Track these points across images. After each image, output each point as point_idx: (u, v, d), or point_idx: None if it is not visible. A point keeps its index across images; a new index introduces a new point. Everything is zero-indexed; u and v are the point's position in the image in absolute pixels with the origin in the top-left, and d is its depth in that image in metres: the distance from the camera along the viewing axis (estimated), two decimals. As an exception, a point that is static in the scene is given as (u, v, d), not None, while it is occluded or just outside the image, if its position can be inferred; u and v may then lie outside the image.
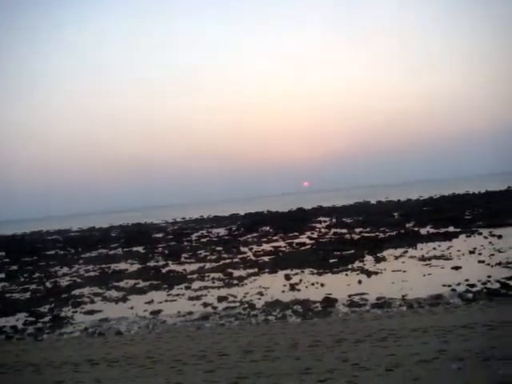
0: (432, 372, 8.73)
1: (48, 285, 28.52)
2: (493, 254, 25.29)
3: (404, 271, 22.95)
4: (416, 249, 29.79)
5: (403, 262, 25.61)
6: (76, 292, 25.28)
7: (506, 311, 14.00)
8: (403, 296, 17.89)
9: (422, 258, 25.95)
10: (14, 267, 39.17)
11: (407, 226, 43.39)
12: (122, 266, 34.25)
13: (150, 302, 21.23)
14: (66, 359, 12.69)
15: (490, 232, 34.17)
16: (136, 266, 33.25)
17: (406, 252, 28.70)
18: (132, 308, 20.49)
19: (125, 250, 45.54)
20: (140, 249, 44.62)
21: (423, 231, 38.22)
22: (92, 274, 31.75)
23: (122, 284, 26.54)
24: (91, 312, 20.46)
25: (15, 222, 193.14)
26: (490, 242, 29.72)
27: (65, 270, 35.03)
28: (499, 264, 22.45)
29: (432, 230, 38.39)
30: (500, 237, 31.56)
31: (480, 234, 34.32)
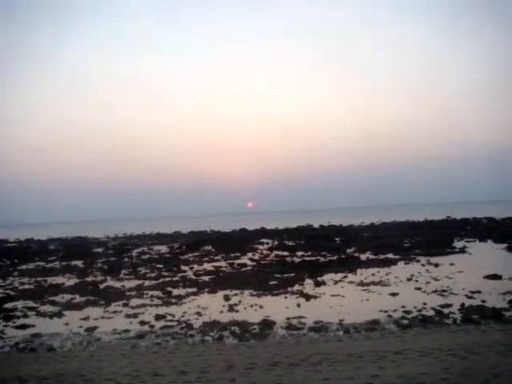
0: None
1: (-20, 297, 27.58)
2: (429, 282, 25.87)
3: (343, 296, 23.19)
4: (355, 274, 30.19)
5: (342, 287, 25.90)
6: (9, 305, 24.50)
7: (439, 338, 14.29)
8: (340, 320, 18.05)
9: (361, 284, 26.31)
10: None
11: (348, 251, 44.00)
12: (59, 279, 33.47)
13: (86, 318, 20.78)
14: (-6, 375, 12.28)
15: (428, 260, 35.05)
16: (74, 281, 32.55)
17: (346, 277, 29.05)
18: (67, 324, 19.98)
19: (63, 263, 44.57)
20: (79, 263, 43.76)
21: (363, 257, 38.83)
22: (27, 286, 30.90)
23: (57, 299, 25.90)
24: (23, 326, 19.85)
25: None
26: (427, 270, 30.41)
27: (-2, 282, 33.98)
28: (435, 291, 22.98)
29: (372, 256, 39.06)
30: (437, 265, 32.37)
31: (418, 261, 35.13)
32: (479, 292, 22.17)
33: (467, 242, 48.94)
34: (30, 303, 24.91)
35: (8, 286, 31.36)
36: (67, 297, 26.34)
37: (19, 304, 24.81)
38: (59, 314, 21.99)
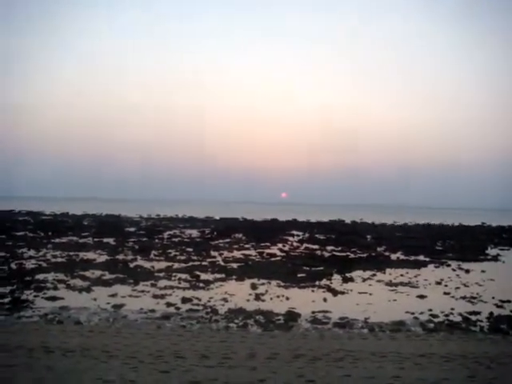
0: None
1: (13, 266, 28.15)
2: (458, 287, 25.54)
3: (370, 294, 23.06)
4: (384, 273, 29.96)
5: (370, 285, 25.73)
6: (40, 277, 24.95)
7: (465, 345, 14.12)
8: (366, 318, 17.95)
9: (389, 283, 26.11)
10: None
11: (378, 249, 43.67)
12: (90, 255, 33.94)
13: (114, 295, 21.06)
14: (21, 343, 12.52)
15: (459, 265, 34.58)
16: (104, 258, 33.00)
17: (375, 275, 28.86)
18: (95, 299, 20.28)
19: (95, 240, 45.17)
20: (111, 240, 44.30)
21: (393, 256, 38.51)
22: (59, 260, 31.39)
23: (88, 274, 26.26)
24: (53, 298, 20.21)
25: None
26: (458, 275, 30.01)
27: (32, 252, 34.61)
28: (463, 298, 22.68)
29: (402, 257, 38.70)
30: (468, 271, 31.90)
31: (449, 265, 34.68)
32: (509, 302, 21.80)
33: (501, 250, 48.13)
34: (61, 276, 25.32)
35: (41, 258, 31.91)
36: (97, 273, 26.70)
37: (50, 276, 25.24)
38: (88, 289, 22.31)
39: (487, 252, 44.36)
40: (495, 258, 40.28)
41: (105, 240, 44.56)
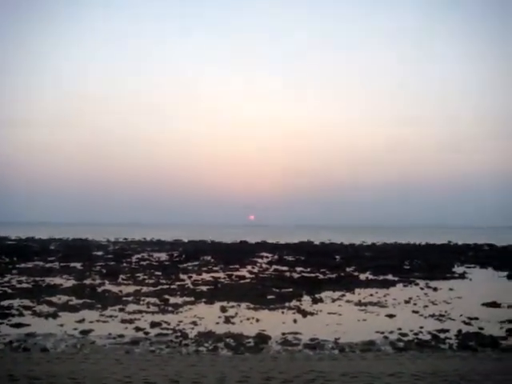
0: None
1: (-24, 293, 27.54)
2: (427, 306, 25.75)
3: (340, 314, 23.09)
4: (354, 293, 30.08)
5: (340, 306, 25.79)
6: (5, 303, 24.46)
7: (435, 363, 14.20)
8: (336, 339, 17.95)
9: (359, 303, 26.21)
10: None
11: (347, 269, 43.89)
12: (57, 280, 33.43)
13: (82, 321, 20.71)
14: (-15, 372, 12.22)
15: (427, 284, 34.94)
16: (71, 282, 32.53)
17: (344, 296, 28.95)
18: (62, 325, 19.92)
19: (62, 264, 44.57)
20: (78, 265, 43.75)
21: (362, 276, 38.73)
22: (25, 285, 30.86)
23: (54, 299, 25.83)
24: (18, 325, 19.78)
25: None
26: (426, 294, 30.28)
27: (-4, 279, 33.94)
28: (432, 316, 22.87)
29: (371, 277, 38.94)
30: (435, 289, 32.23)
31: (417, 284, 35.01)
32: (477, 319, 22.04)
33: (467, 267, 48.81)
34: (27, 302, 24.85)
35: (6, 284, 31.31)
36: (64, 298, 26.29)
37: (15, 302, 24.76)
38: (55, 315, 21.93)
39: (454, 270, 44.90)
40: (462, 276, 40.81)
41: (72, 264, 43.99)
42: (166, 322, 20.55)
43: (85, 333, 18.57)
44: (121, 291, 29.04)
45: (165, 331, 19.07)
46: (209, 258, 54.60)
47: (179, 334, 18.57)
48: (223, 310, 23.95)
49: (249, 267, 45.70)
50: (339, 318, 22.36)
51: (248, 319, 21.85)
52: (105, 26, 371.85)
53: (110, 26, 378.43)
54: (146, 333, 18.81)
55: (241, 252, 61.86)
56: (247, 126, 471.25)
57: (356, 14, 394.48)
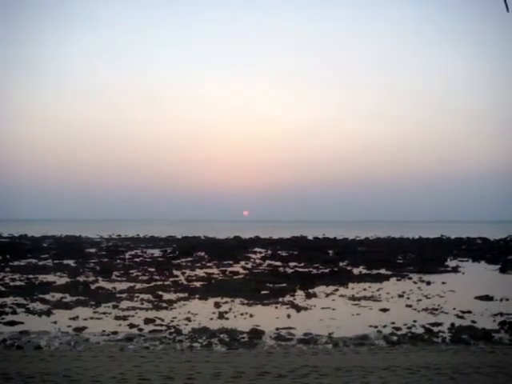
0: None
1: (-31, 291, 27.45)
2: (420, 300, 25.86)
3: (333, 309, 23.16)
4: (347, 288, 30.18)
5: (333, 300, 25.89)
6: (-2, 301, 24.41)
7: (428, 356, 14.26)
8: (330, 334, 18.00)
9: (352, 298, 26.30)
10: None
11: (341, 264, 44.03)
12: (50, 278, 33.36)
13: (75, 318, 20.69)
14: (-21, 371, 12.18)
15: (420, 278, 35.08)
16: (65, 280, 32.43)
17: (337, 290, 29.03)
18: (55, 322, 19.89)
19: (55, 262, 44.43)
20: (71, 262, 43.63)
21: (356, 271, 38.84)
22: (18, 283, 30.78)
23: (47, 297, 25.78)
24: (12, 323, 19.72)
25: None
26: (419, 288, 30.40)
27: (-11, 276, 33.84)
28: (425, 309, 22.97)
29: (364, 271, 39.08)
30: (428, 283, 32.38)
31: (410, 278, 35.15)
32: (470, 312, 22.15)
33: (460, 261, 49.07)
34: (20, 300, 24.78)
35: (-1, 282, 31.22)
36: (57, 295, 26.24)
37: (9, 300, 24.68)
38: (48, 313, 21.89)
39: (447, 264, 45.10)
40: (455, 270, 41.03)
41: (65, 262, 43.90)
42: (159, 319, 20.55)
43: (78, 330, 18.54)
44: (114, 288, 29.01)
45: (159, 327, 19.07)
46: (202, 253, 54.60)
47: (173, 330, 18.58)
48: (217, 305, 23.97)
49: (242, 263, 45.74)
50: (333, 312, 22.43)
51: (242, 314, 21.87)
52: (105, 26, 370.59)
53: (110, 26, 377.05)
54: (140, 329, 18.79)
55: (234, 248, 61.95)
56: (243, 125, 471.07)
57: (356, 14, 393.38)
